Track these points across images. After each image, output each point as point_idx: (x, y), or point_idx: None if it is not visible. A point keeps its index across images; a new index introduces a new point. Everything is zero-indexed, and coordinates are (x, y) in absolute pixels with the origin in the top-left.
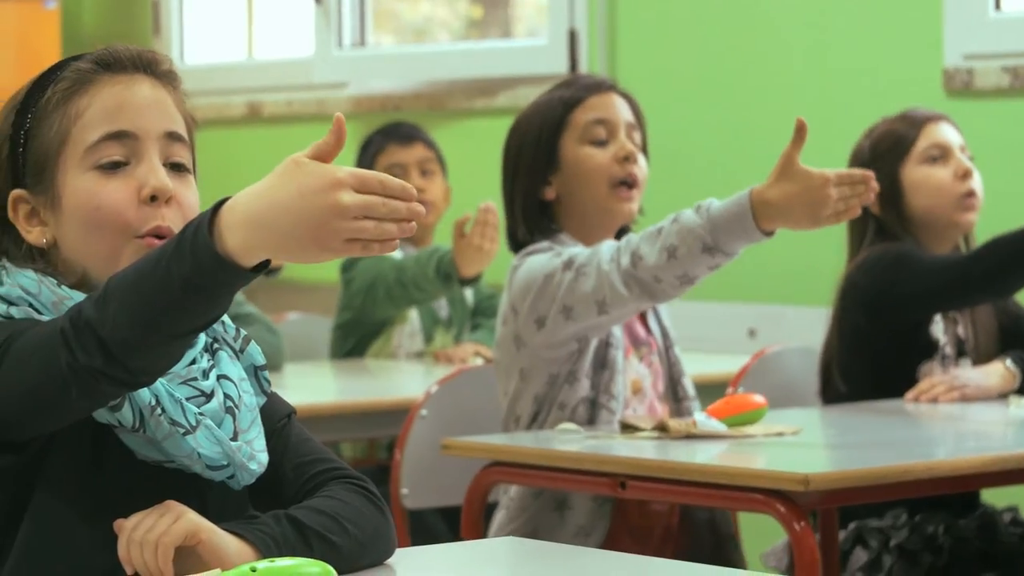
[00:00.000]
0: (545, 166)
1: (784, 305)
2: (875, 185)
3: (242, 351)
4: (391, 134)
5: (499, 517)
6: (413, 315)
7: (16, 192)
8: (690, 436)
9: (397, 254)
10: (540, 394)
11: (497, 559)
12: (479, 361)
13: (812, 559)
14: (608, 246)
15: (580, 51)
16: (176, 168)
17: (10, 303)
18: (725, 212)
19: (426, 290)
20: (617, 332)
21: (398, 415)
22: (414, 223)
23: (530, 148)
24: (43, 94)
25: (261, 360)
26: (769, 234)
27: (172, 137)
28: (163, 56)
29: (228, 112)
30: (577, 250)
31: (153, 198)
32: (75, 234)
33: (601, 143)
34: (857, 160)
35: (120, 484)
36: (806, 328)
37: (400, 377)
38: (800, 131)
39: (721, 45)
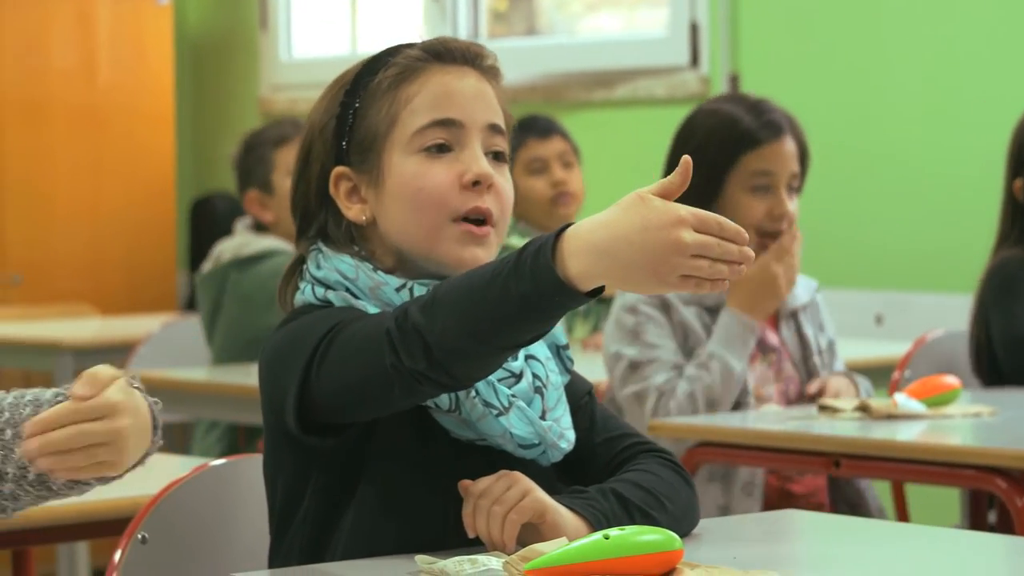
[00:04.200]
0: (708, 192)
1: (910, 291)
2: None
3: None
4: (529, 128)
5: None
6: None
7: (339, 169)
8: (891, 416)
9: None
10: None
11: (790, 530)
12: None
13: None
14: None
15: (701, 44)
16: (496, 157)
17: (328, 287)
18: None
19: None
20: None
21: None
22: (744, 265)
23: (702, 172)
24: (373, 77)
25: (563, 340)
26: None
27: (494, 129)
28: (489, 51)
29: None
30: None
31: (475, 183)
32: (396, 213)
33: (762, 189)
34: (1018, 134)
35: (441, 460)
36: (932, 314)
37: None
38: None
39: (844, 38)
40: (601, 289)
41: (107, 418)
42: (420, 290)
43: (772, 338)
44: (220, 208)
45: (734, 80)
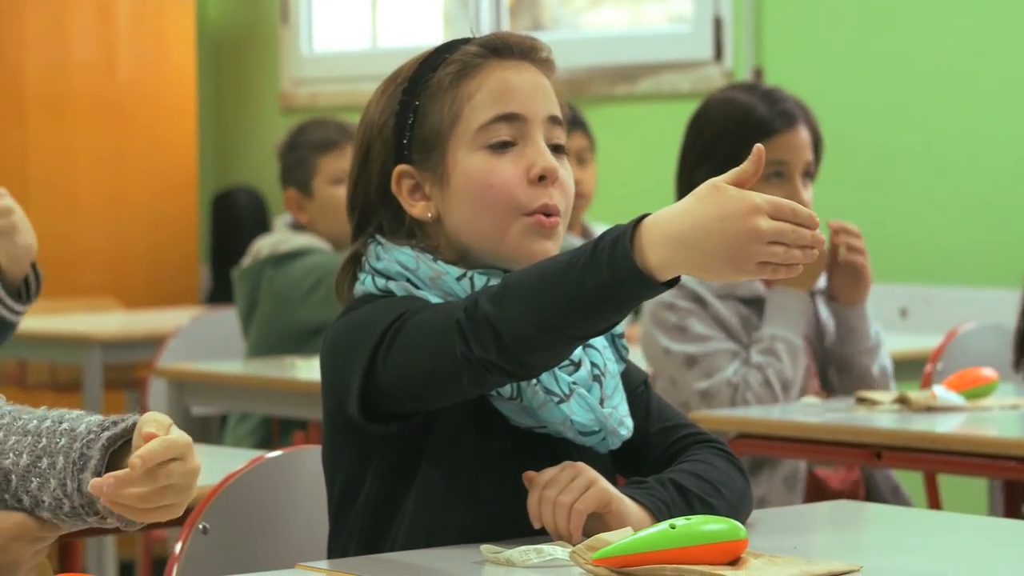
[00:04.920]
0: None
1: (935, 285)
2: None
3: None
4: None
5: None
6: None
7: (401, 167)
8: (930, 409)
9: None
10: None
11: (845, 520)
12: None
13: None
14: None
15: (725, 38)
16: (556, 150)
17: (388, 278)
18: None
19: None
20: None
21: None
22: (816, 250)
23: (716, 162)
24: (431, 75)
25: (619, 328)
26: None
27: (554, 121)
28: (543, 44)
29: (357, 99)
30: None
31: (542, 178)
32: (462, 210)
33: (777, 177)
34: None
35: (499, 447)
36: (956, 307)
37: None
38: None
39: (868, 31)
40: (677, 280)
41: (184, 458)
42: (480, 279)
43: None
44: (242, 202)
45: (758, 74)
